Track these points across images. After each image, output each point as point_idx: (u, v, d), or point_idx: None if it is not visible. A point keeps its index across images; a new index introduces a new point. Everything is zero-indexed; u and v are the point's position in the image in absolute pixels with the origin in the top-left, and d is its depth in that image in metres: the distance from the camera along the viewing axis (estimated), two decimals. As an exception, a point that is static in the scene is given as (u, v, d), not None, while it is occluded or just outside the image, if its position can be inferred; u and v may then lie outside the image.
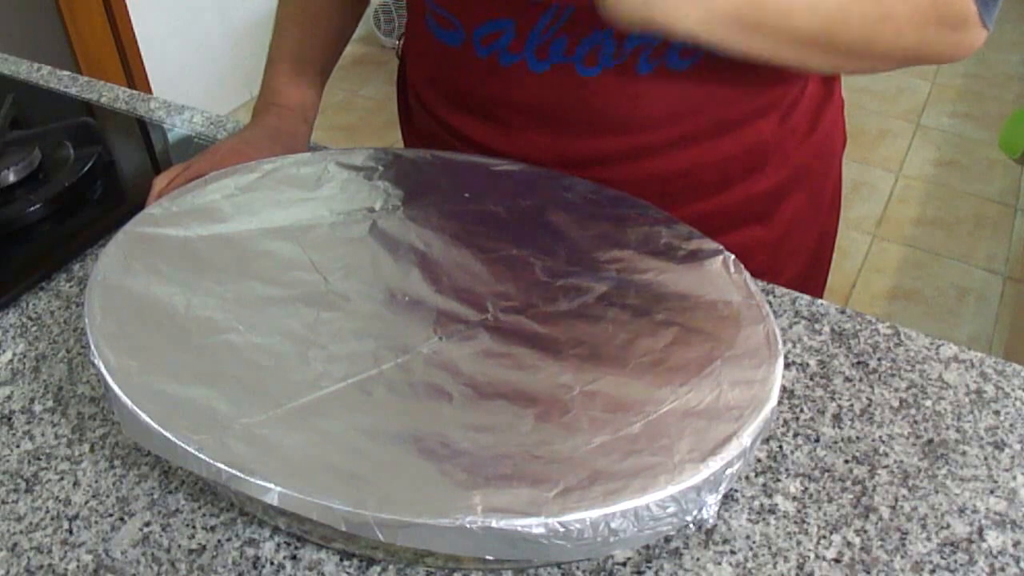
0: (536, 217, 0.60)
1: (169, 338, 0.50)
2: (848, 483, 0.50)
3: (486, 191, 0.63)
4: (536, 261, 0.56)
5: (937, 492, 0.50)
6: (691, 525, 0.43)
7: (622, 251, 0.56)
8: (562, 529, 0.40)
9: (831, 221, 0.80)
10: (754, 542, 0.47)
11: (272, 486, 0.41)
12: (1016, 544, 0.47)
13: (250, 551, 0.47)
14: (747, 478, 0.50)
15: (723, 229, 0.63)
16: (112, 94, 0.90)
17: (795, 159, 0.70)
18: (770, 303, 0.62)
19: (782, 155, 0.69)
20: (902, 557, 0.46)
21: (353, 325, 0.51)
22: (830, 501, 0.49)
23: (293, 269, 0.55)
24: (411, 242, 0.57)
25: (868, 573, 0.45)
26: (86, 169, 0.74)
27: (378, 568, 0.46)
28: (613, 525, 0.40)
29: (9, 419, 0.55)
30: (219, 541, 0.47)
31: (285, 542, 0.47)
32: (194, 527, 0.48)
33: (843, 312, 0.61)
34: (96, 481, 0.51)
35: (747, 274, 0.55)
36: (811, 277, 0.79)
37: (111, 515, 0.49)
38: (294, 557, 0.46)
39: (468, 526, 0.39)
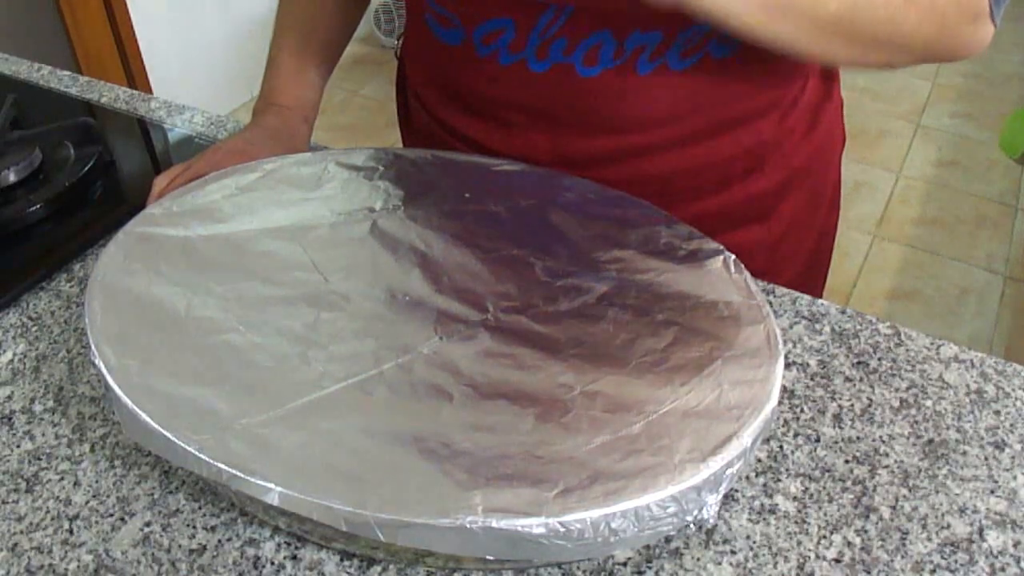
0: (536, 217, 0.60)
1: (169, 338, 0.50)
2: (848, 483, 0.50)
3: (486, 191, 0.63)
4: (536, 261, 0.56)
5: (937, 492, 0.50)
6: (691, 525, 0.43)
7: (622, 251, 0.56)
8: (562, 529, 0.40)
9: (830, 221, 0.80)
10: (754, 542, 0.47)
11: (272, 486, 0.41)
12: (1016, 544, 0.47)
13: (250, 551, 0.47)
14: (747, 478, 0.50)
15: (722, 229, 0.63)
16: (112, 94, 0.90)
17: (794, 159, 0.70)
18: (770, 303, 0.62)
19: (781, 155, 0.69)
20: (902, 557, 0.46)
21: (353, 325, 0.51)
22: (830, 501, 0.49)
23: (293, 269, 0.55)
24: (411, 242, 0.57)
25: (868, 573, 0.45)
26: (86, 169, 0.74)
27: (378, 568, 0.46)
28: (613, 525, 0.40)
29: (9, 419, 0.55)
30: (219, 541, 0.47)
31: (285, 542, 0.47)
32: (194, 527, 0.48)
33: (843, 312, 0.61)
34: (96, 481, 0.51)
35: (747, 274, 0.55)
36: (810, 277, 0.79)
37: (111, 515, 0.49)
38: (294, 557, 0.46)
39: (468, 526, 0.39)
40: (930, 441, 0.53)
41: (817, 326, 0.60)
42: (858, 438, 0.53)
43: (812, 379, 0.56)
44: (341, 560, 0.46)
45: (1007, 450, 0.52)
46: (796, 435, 0.53)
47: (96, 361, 0.48)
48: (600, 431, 0.44)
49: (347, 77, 2.84)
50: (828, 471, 0.51)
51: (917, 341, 0.59)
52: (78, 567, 0.46)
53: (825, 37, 0.52)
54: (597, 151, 0.65)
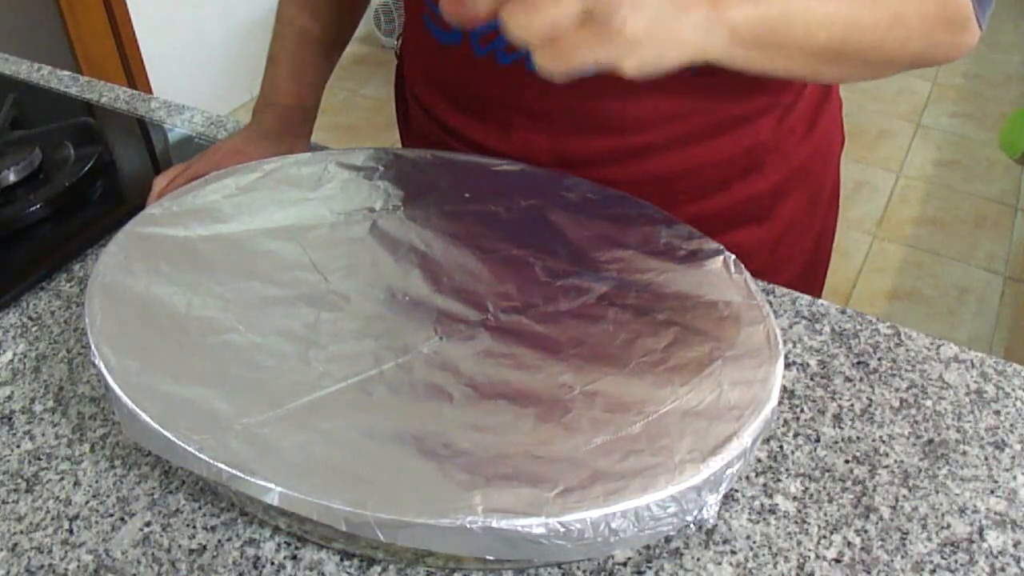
0: (536, 217, 0.60)
1: (169, 338, 0.50)
2: (848, 483, 0.50)
3: (486, 191, 0.63)
4: (536, 261, 0.56)
5: (937, 492, 0.50)
6: (691, 525, 0.43)
7: (622, 251, 0.56)
8: (562, 529, 0.40)
9: (829, 221, 0.80)
10: (754, 542, 0.47)
11: (272, 486, 0.41)
12: (1016, 544, 0.47)
13: (250, 551, 0.47)
14: (747, 478, 0.50)
15: (721, 229, 0.63)
16: (112, 94, 0.90)
17: (793, 159, 0.70)
18: (770, 303, 0.62)
19: (780, 155, 0.69)
20: (902, 557, 0.46)
21: (353, 325, 0.51)
22: (830, 501, 0.49)
23: (293, 269, 0.55)
24: (411, 242, 0.57)
25: (868, 573, 0.45)
26: (86, 169, 0.74)
27: (378, 568, 0.46)
28: (613, 525, 0.40)
29: (9, 419, 0.55)
30: (219, 541, 0.47)
31: (285, 542, 0.47)
32: (194, 527, 0.48)
33: (843, 312, 0.61)
34: (96, 481, 0.51)
35: (747, 274, 0.55)
36: (809, 277, 0.79)
37: (111, 515, 0.49)
38: (294, 557, 0.46)
39: (468, 526, 0.39)
40: (930, 441, 0.53)
41: (817, 326, 0.60)
42: (858, 438, 0.53)
43: (812, 379, 0.56)
44: (341, 560, 0.46)
45: (1007, 450, 0.52)
46: (796, 435, 0.53)
47: (96, 361, 0.48)
48: (600, 431, 0.44)
49: (347, 77, 2.84)
50: (828, 471, 0.51)
51: (917, 341, 0.59)
52: (78, 567, 0.46)
53: (816, 64, 0.52)
54: (596, 151, 0.65)
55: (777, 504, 0.49)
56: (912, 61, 0.54)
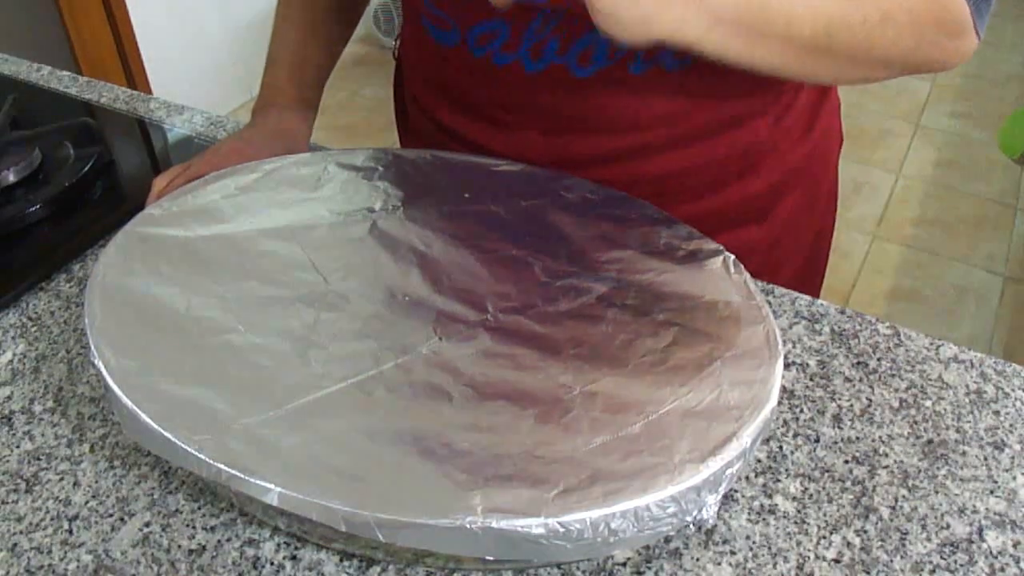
0: (536, 217, 0.60)
1: (169, 338, 0.50)
2: (848, 483, 0.50)
3: (486, 191, 0.63)
4: (536, 261, 0.56)
5: (937, 492, 0.50)
6: (691, 525, 0.43)
7: (622, 251, 0.56)
8: (562, 529, 0.40)
9: (827, 222, 0.80)
10: (754, 542, 0.47)
11: (272, 486, 0.41)
12: (1016, 544, 0.47)
13: (250, 551, 0.47)
14: (747, 478, 0.50)
15: (718, 229, 0.63)
16: (112, 94, 0.90)
17: (791, 160, 0.70)
18: (770, 303, 0.62)
19: (777, 156, 0.69)
20: (902, 557, 0.46)
21: (353, 325, 0.51)
22: (830, 501, 0.49)
23: (293, 269, 0.55)
24: (411, 242, 0.57)
25: (868, 573, 0.45)
26: (86, 169, 0.74)
27: (378, 568, 0.46)
28: (613, 525, 0.40)
29: (9, 419, 0.55)
30: (219, 541, 0.47)
31: (285, 542, 0.47)
32: (194, 527, 0.48)
33: (843, 312, 0.61)
34: (96, 481, 0.51)
35: (747, 274, 0.55)
36: (807, 277, 0.79)
37: (111, 515, 0.49)
38: (294, 557, 0.46)
39: (468, 526, 0.39)
40: (930, 441, 0.53)
41: (817, 326, 0.60)
42: (858, 438, 0.53)
43: (812, 379, 0.56)
44: (341, 560, 0.46)
45: (1007, 450, 0.52)
46: (796, 435, 0.53)
47: (96, 361, 0.48)
48: (600, 431, 0.44)
49: (347, 77, 2.84)
50: (828, 471, 0.51)
51: (917, 341, 0.59)
52: (78, 567, 0.46)
53: (802, 59, 0.52)
54: (593, 151, 0.65)
55: (777, 504, 0.49)
56: (906, 62, 0.54)
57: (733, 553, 0.46)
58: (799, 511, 0.48)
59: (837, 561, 0.46)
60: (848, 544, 0.47)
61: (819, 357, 0.58)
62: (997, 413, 0.54)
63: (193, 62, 2.54)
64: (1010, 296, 2.00)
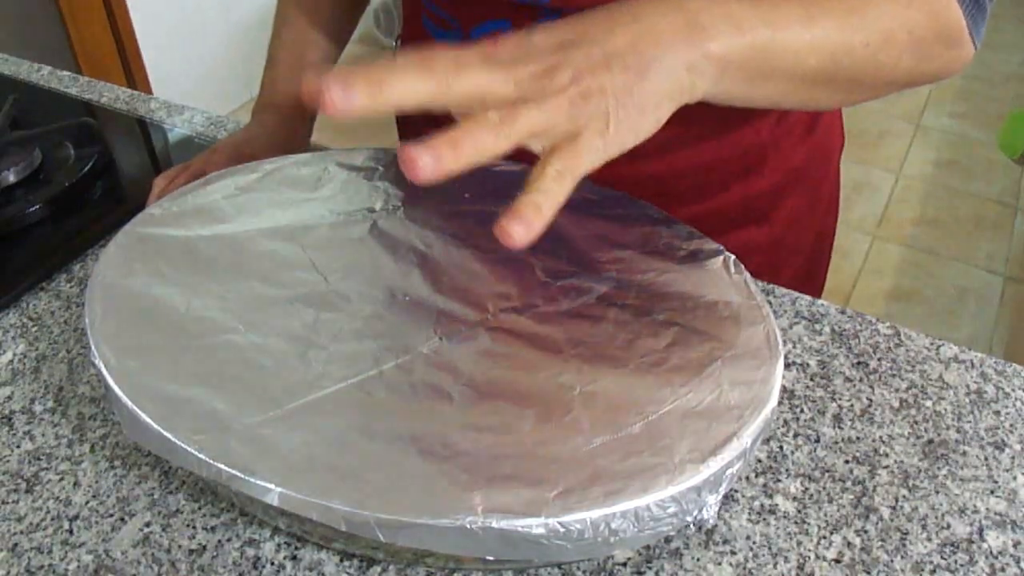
0: (536, 217, 0.60)
1: (169, 338, 0.50)
2: (848, 483, 0.50)
3: (486, 191, 0.62)
4: (536, 261, 0.56)
5: (937, 492, 0.50)
6: (691, 525, 0.43)
7: (622, 251, 0.56)
8: (562, 529, 0.40)
9: (829, 222, 0.80)
10: (754, 542, 0.47)
11: (272, 486, 0.41)
12: (1016, 544, 0.47)
13: (250, 551, 0.47)
14: (747, 478, 0.50)
15: (720, 230, 0.63)
16: (112, 94, 0.90)
17: (792, 160, 0.70)
18: (770, 303, 0.62)
19: (779, 156, 0.69)
20: (902, 557, 0.46)
21: (353, 325, 0.51)
22: (830, 501, 0.49)
23: (293, 269, 0.55)
24: (411, 242, 0.57)
25: (868, 573, 0.45)
26: (86, 169, 0.74)
27: (378, 568, 0.46)
28: (613, 525, 0.40)
29: (9, 419, 0.55)
30: (219, 541, 0.47)
31: (285, 542, 0.47)
32: (194, 527, 0.48)
33: (843, 312, 0.61)
34: (96, 481, 0.51)
35: (747, 274, 0.55)
36: (809, 278, 0.79)
37: (111, 515, 0.49)
38: (294, 557, 0.46)
39: (468, 526, 0.39)
40: (930, 441, 0.53)
41: (817, 326, 0.60)
42: (858, 438, 0.53)
43: (812, 379, 0.56)
44: (341, 560, 0.46)
45: (1007, 450, 0.52)
46: (796, 435, 0.53)
47: (96, 361, 0.48)
48: (600, 431, 0.44)
49: (347, 77, 2.84)
50: (828, 471, 0.51)
51: (917, 341, 0.59)
52: (78, 567, 0.46)
53: (808, 90, 0.51)
54: None
55: (777, 504, 0.49)
56: (909, 78, 0.54)
57: (733, 553, 0.46)
58: (799, 511, 0.48)
59: (837, 561, 0.46)
60: (848, 544, 0.47)
61: (819, 357, 0.58)
62: (997, 413, 0.54)
63: (193, 62, 2.54)
64: (1010, 296, 2.00)
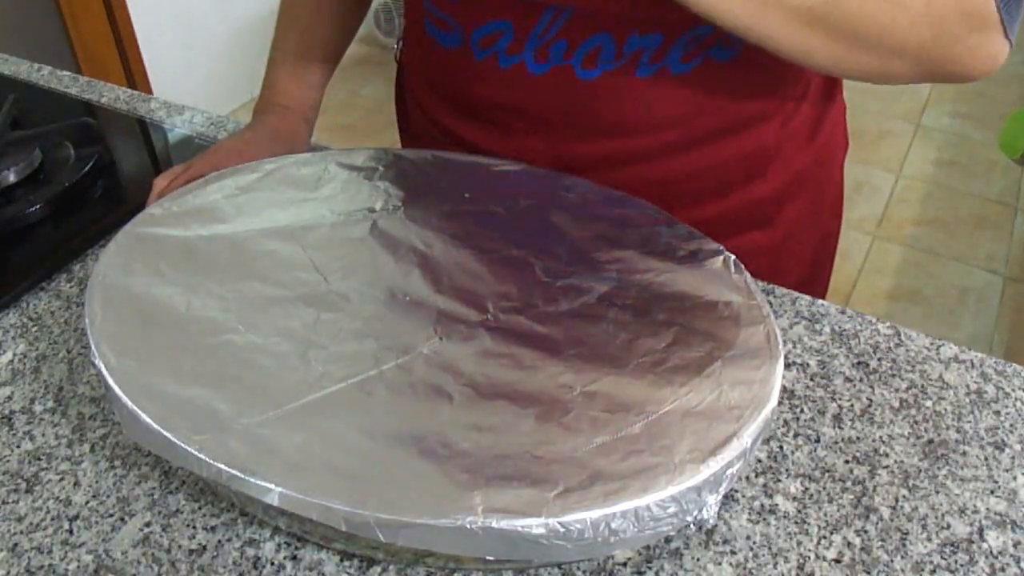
0: (536, 217, 0.60)
1: (169, 338, 0.50)
2: (848, 483, 0.50)
3: (486, 191, 0.63)
4: (536, 261, 0.56)
5: (937, 492, 0.50)
6: (691, 525, 0.43)
7: (622, 251, 0.56)
8: (562, 529, 0.40)
9: (832, 226, 0.79)
10: (754, 542, 0.47)
11: (272, 486, 0.41)
12: (1016, 544, 0.47)
13: (250, 551, 0.47)
14: (747, 478, 0.50)
15: (723, 234, 0.63)
16: (112, 94, 0.90)
17: (796, 164, 0.70)
18: (770, 303, 0.62)
19: (783, 160, 0.69)
20: (902, 557, 0.46)
21: (353, 325, 0.51)
22: (830, 501, 0.49)
23: (293, 269, 0.55)
24: (411, 242, 0.57)
25: (868, 573, 0.45)
26: (86, 169, 0.74)
27: (378, 568, 0.46)
28: (613, 525, 0.40)
29: (9, 419, 0.55)
30: (219, 541, 0.47)
31: (285, 542, 0.47)
32: (194, 527, 0.48)
33: (843, 312, 0.61)
34: (96, 481, 0.51)
35: (747, 274, 0.55)
36: (812, 282, 0.79)
37: (111, 515, 0.49)
38: (294, 557, 0.46)
39: (468, 526, 0.39)
40: (930, 441, 0.53)
41: (817, 326, 0.60)
42: (858, 438, 0.53)
43: (812, 379, 0.56)
44: (341, 560, 0.46)
45: (1007, 450, 0.52)
46: (796, 435, 0.53)
47: (96, 361, 0.48)
48: (600, 431, 0.44)
49: (347, 77, 2.85)
50: (828, 471, 0.51)
51: (917, 341, 0.59)
52: (78, 567, 0.46)
53: (803, 32, 0.50)
54: (596, 155, 0.65)
55: (777, 504, 0.49)
56: (923, 56, 0.51)
57: (734, 553, 0.46)
58: (799, 511, 0.48)
59: (838, 561, 0.46)
60: (849, 544, 0.47)
61: (819, 357, 0.58)
62: (997, 413, 0.54)
63: (193, 62, 2.54)
64: (1010, 296, 2.00)
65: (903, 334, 0.60)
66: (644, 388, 0.46)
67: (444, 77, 0.69)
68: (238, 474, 0.42)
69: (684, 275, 0.54)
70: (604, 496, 0.40)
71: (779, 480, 0.50)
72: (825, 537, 0.47)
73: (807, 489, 0.50)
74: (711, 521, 0.43)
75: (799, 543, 0.47)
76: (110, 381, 0.46)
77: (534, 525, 0.39)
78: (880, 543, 0.47)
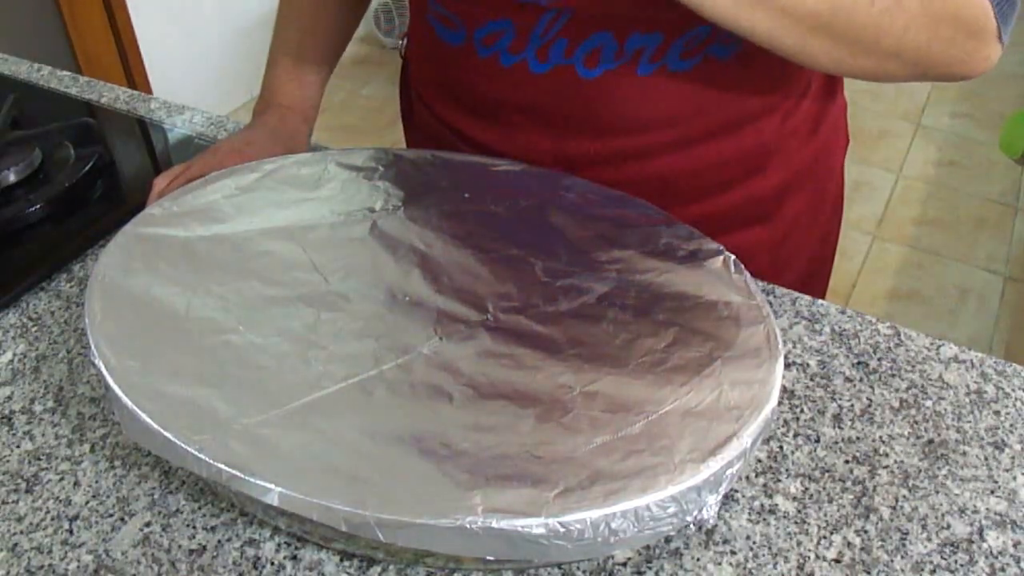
0: (536, 217, 0.60)
1: (169, 338, 0.50)
2: (848, 483, 0.50)
3: (486, 191, 0.63)
4: (536, 261, 0.56)
5: (937, 492, 0.50)
6: (691, 525, 0.43)
7: (622, 251, 0.56)
8: (562, 529, 0.40)
9: (833, 222, 0.80)
10: (754, 542, 0.47)
11: (272, 486, 0.41)
12: (1016, 544, 0.47)
13: (250, 551, 0.47)
14: (747, 478, 0.50)
15: (724, 230, 0.63)
16: (112, 94, 0.90)
17: (797, 160, 0.70)
18: (770, 303, 0.62)
19: (784, 157, 0.69)
20: (902, 557, 0.46)
21: (353, 325, 0.51)
22: (830, 501, 0.49)
23: (293, 269, 0.55)
24: (411, 242, 0.57)
25: (868, 573, 0.45)
26: (86, 169, 0.74)
27: (378, 568, 0.46)
28: (613, 525, 0.40)
29: (9, 419, 0.55)
30: (219, 541, 0.47)
31: (285, 542, 0.47)
32: (194, 527, 0.48)
33: (843, 312, 0.61)
34: (96, 481, 0.51)
35: (747, 274, 0.55)
36: (813, 279, 0.79)
37: (111, 515, 0.49)
38: (294, 557, 0.46)
39: (468, 526, 0.39)
40: (930, 441, 0.53)
41: (817, 326, 0.60)
42: (858, 438, 0.53)
43: (812, 379, 0.56)
44: (341, 560, 0.46)
45: (1007, 450, 0.52)
46: (796, 435, 0.53)
47: (96, 361, 0.48)
48: (600, 431, 0.44)
49: (347, 77, 2.84)
50: (828, 471, 0.51)
51: (917, 341, 0.59)
52: (78, 567, 0.46)
53: (804, 33, 0.50)
54: (598, 152, 0.65)
55: (777, 504, 0.49)
56: (920, 58, 0.52)
57: (733, 553, 0.46)
58: (799, 511, 0.48)
59: (837, 561, 0.46)
60: (848, 544, 0.47)
61: (819, 357, 0.58)
62: (997, 413, 0.54)
63: (193, 62, 2.54)
64: (1010, 296, 2.00)
65: (903, 334, 0.60)
66: (644, 388, 0.46)
67: (447, 73, 0.69)
68: (238, 474, 0.42)
69: (684, 275, 0.54)
70: (604, 496, 0.40)
71: (779, 480, 0.50)
72: (825, 537, 0.47)
73: (807, 489, 0.50)
74: (711, 521, 0.43)
75: (799, 543, 0.47)
76: (110, 381, 0.46)
77: (534, 525, 0.39)
78: (880, 543, 0.47)
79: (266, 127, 0.74)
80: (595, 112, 0.63)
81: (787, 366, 0.57)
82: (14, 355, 0.59)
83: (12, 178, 0.73)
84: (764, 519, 0.48)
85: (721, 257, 0.56)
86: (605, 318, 0.51)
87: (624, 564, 0.46)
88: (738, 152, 0.66)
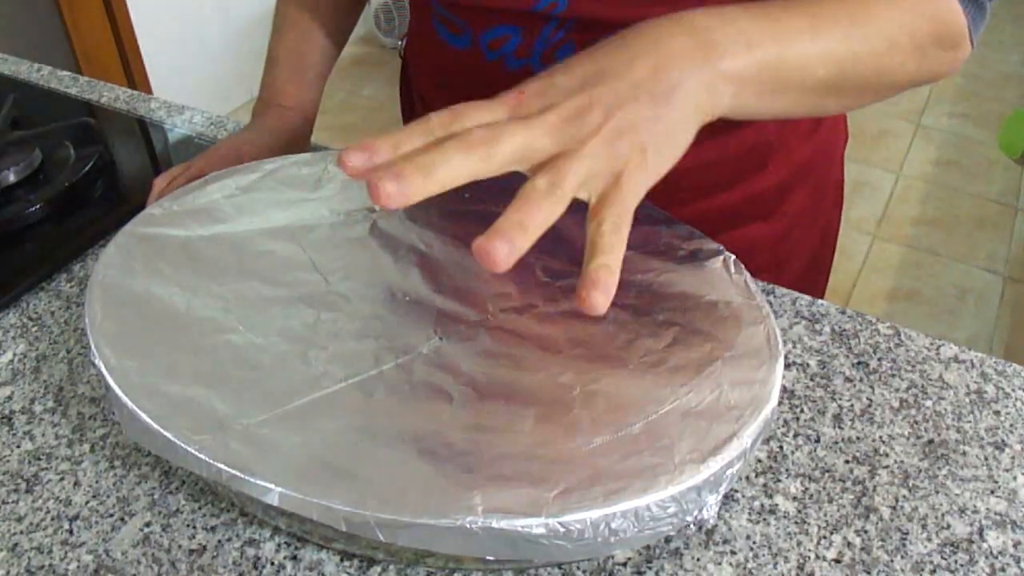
0: (536, 217, 0.60)
1: (169, 338, 0.50)
2: (848, 483, 0.50)
3: (486, 191, 0.62)
4: (536, 261, 0.56)
5: (937, 492, 0.50)
6: (691, 525, 0.43)
7: (622, 251, 0.56)
8: (562, 529, 0.40)
9: (833, 217, 0.80)
10: (754, 542, 0.47)
11: (272, 486, 0.41)
12: (1016, 544, 0.47)
13: (250, 551, 0.47)
14: (747, 478, 0.50)
15: (726, 227, 0.63)
16: (112, 94, 0.90)
17: (798, 156, 0.70)
18: (770, 303, 0.62)
19: (785, 153, 0.69)
20: (902, 557, 0.46)
21: (353, 325, 0.51)
22: (830, 501, 0.49)
23: (293, 269, 0.55)
24: (411, 242, 0.57)
25: (868, 573, 0.45)
26: (86, 169, 0.74)
27: (378, 568, 0.46)
28: (613, 525, 0.40)
29: (9, 419, 0.55)
30: (219, 541, 0.47)
31: (285, 542, 0.47)
32: (194, 527, 0.48)
33: (843, 312, 0.61)
34: (96, 481, 0.51)
35: (747, 274, 0.55)
36: (814, 274, 0.79)
37: (111, 515, 0.49)
38: (294, 557, 0.46)
39: (468, 526, 0.39)
40: (930, 441, 0.53)
41: (817, 326, 0.60)
42: (858, 438, 0.53)
43: (812, 379, 0.56)
44: (341, 560, 0.46)
45: (1007, 450, 0.52)
46: (796, 435, 0.53)
47: (96, 361, 0.48)
48: (600, 431, 0.44)
49: (347, 77, 2.85)
50: (828, 471, 0.51)
51: (917, 341, 0.59)
52: (78, 567, 0.46)
53: (817, 100, 0.52)
54: None
55: (777, 504, 0.49)
56: (911, 81, 0.54)
57: (734, 553, 0.46)
58: (799, 511, 0.48)
59: (838, 561, 0.46)
60: (849, 544, 0.47)
61: (819, 357, 0.58)
62: (997, 413, 0.54)
63: (193, 62, 2.54)
64: (1010, 296, 2.00)
65: (903, 334, 0.60)
66: (644, 388, 0.46)
67: (452, 76, 0.69)
68: (238, 474, 0.42)
69: (684, 275, 0.54)
70: (604, 496, 0.40)
71: (779, 480, 0.50)
72: (825, 537, 0.47)
73: (807, 489, 0.50)
74: (711, 521, 0.43)
75: (799, 543, 0.47)
76: (110, 381, 0.46)
77: (534, 525, 0.39)
78: (880, 543, 0.47)
79: (266, 127, 0.74)
80: None
81: (787, 366, 0.57)
82: (14, 355, 0.59)
83: (12, 178, 0.73)
84: (764, 519, 0.48)
85: (721, 257, 0.56)
86: (605, 318, 0.51)
87: (624, 564, 0.46)
88: (740, 149, 0.67)
